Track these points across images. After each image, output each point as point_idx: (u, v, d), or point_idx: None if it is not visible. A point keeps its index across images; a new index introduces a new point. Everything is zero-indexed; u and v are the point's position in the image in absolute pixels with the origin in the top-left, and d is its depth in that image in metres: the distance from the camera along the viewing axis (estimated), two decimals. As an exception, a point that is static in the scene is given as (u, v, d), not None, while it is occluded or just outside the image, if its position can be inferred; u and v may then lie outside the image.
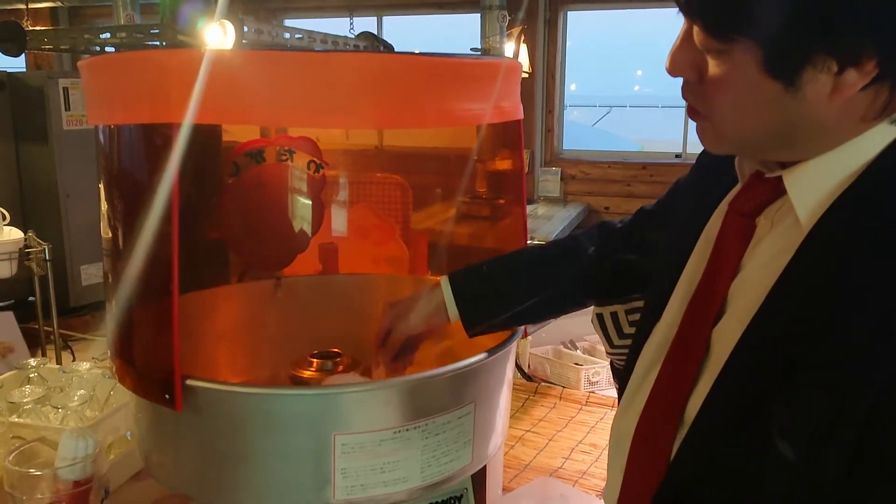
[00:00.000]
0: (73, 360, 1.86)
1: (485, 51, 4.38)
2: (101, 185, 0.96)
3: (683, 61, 0.66)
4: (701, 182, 0.84)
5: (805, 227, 0.64)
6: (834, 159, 0.63)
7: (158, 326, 0.86)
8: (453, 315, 0.99)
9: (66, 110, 2.12)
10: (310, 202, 1.35)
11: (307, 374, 1.08)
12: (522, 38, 5.19)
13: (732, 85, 0.63)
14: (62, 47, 1.87)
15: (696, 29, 0.63)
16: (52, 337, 1.84)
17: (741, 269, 0.70)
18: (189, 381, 0.83)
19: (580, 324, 2.03)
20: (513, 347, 1.02)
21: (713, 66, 0.63)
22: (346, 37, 2.07)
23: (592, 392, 1.75)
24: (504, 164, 1.13)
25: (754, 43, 0.60)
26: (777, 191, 0.67)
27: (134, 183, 0.88)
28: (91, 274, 2.23)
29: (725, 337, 0.68)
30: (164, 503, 1.29)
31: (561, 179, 5.80)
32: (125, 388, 0.93)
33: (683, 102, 0.69)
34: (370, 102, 0.81)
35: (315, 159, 1.37)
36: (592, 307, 1.08)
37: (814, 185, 0.64)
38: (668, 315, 0.77)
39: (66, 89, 2.11)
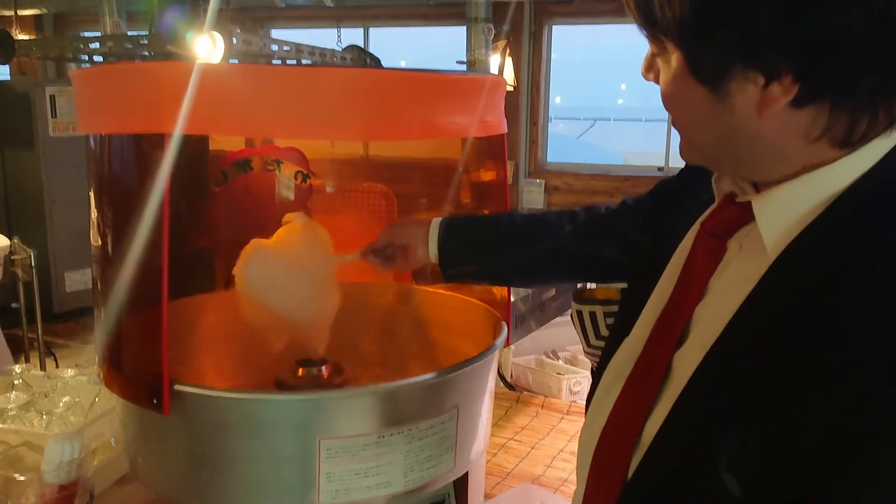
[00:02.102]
0: (57, 366, 1.86)
1: (470, 63, 4.41)
2: (91, 193, 0.98)
3: (649, 65, 0.68)
4: (681, 191, 0.86)
5: (771, 256, 0.64)
6: (802, 188, 0.63)
7: (147, 332, 0.88)
8: (433, 254, 1.05)
9: (52, 117, 2.13)
10: (296, 210, 1.36)
11: (292, 380, 1.09)
12: (507, 50, 5.25)
13: (672, 89, 0.65)
14: (51, 56, 1.88)
15: None
16: (35, 343, 1.85)
17: (707, 291, 0.70)
18: (177, 386, 0.85)
19: (562, 334, 2.06)
20: (495, 355, 1.04)
21: (662, 70, 0.66)
22: (333, 49, 2.09)
23: (574, 401, 1.77)
24: (488, 176, 1.15)
25: (677, 45, 0.62)
26: (747, 215, 0.67)
27: (124, 191, 0.89)
28: (75, 280, 2.24)
29: (686, 361, 0.68)
30: (148, 508, 1.30)
31: (545, 191, 5.85)
32: (113, 392, 0.94)
33: (666, 115, 0.71)
34: (357, 115, 0.84)
35: (302, 169, 1.39)
36: (572, 303, 1.11)
37: (781, 213, 0.64)
38: (637, 330, 0.78)
39: (52, 97, 2.12)
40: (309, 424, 0.85)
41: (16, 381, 1.41)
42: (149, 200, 0.86)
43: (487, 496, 1.31)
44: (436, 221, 1.07)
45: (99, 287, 0.98)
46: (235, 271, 1.07)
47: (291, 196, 1.30)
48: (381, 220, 1.65)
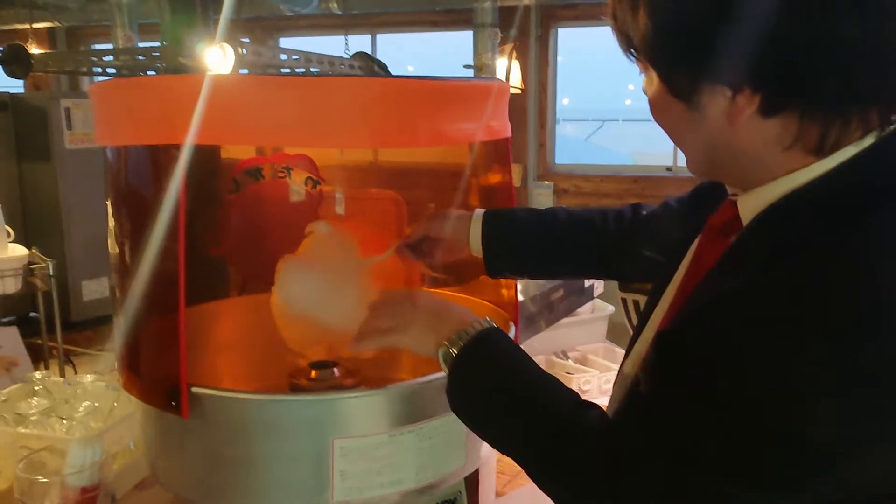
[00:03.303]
0: (76, 373, 1.89)
1: (478, 68, 4.44)
2: (109, 203, 1.01)
3: (643, 82, 0.73)
4: (711, 192, 0.89)
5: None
6: (774, 186, 0.68)
7: (165, 338, 0.91)
8: (475, 249, 1.07)
9: (67, 129, 2.17)
10: (307, 217, 1.39)
11: (306, 382, 1.12)
12: (514, 54, 5.27)
13: (656, 104, 0.70)
14: (67, 70, 1.92)
15: None
16: (54, 351, 1.88)
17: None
18: (194, 389, 0.88)
19: (571, 335, 2.08)
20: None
21: (647, 87, 0.71)
22: (341, 57, 2.13)
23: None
24: (494, 179, 1.18)
25: (650, 65, 0.68)
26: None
27: (142, 200, 0.92)
28: (92, 290, 2.27)
29: None
30: (167, 511, 1.33)
31: (554, 193, 5.86)
32: (133, 396, 0.97)
33: None
34: (366, 123, 0.86)
35: (312, 176, 1.42)
36: (618, 291, 1.14)
37: (758, 200, 0.69)
38: (655, 318, 0.83)
39: (67, 109, 2.16)
40: (322, 425, 0.88)
41: (36, 388, 1.44)
42: (165, 209, 0.89)
43: (499, 494, 1.33)
44: (478, 213, 1.08)
45: (118, 294, 1.01)
46: (275, 290, 1.08)
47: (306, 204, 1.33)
48: (391, 226, 1.68)
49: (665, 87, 0.67)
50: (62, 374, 1.73)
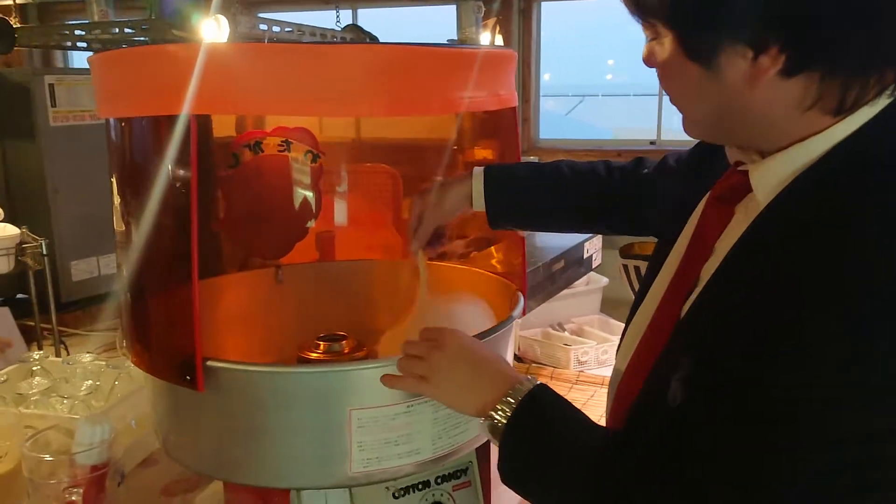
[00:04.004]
0: (68, 354, 1.87)
1: (461, 42, 4.40)
2: (114, 179, 0.99)
3: (647, 52, 0.72)
4: (708, 157, 0.88)
5: (762, 205, 0.68)
6: (792, 154, 0.67)
7: (177, 311, 0.90)
8: (478, 205, 1.07)
9: (52, 106, 2.12)
10: (307, 191, 1.38)
11: (314, 355, 1.11)
12: (498, 29, 5.23)
13: (667, 70, 0.69)
14: (51, 44, 1.87)
15: None
16: (46, 332, 1.86)
17: (714, 252, 0.74)
18: (209, 362, 0.87)
19: (566, 307, 2.09)
20: (514, 325, 1.07)
21: (657, 54, 0.69)
22: (333, 29, 2.10)
23: (581, 371, 1.80)
24: (498, 149, 1.17)
25: (668, 26, 0.66)
26: (748, 182, 0.71)
27: (148, 174, 0.90)
28: (81, 269, 2.24)
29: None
30: (172, 488, 1.32)
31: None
32: (144, 372, 0.96)
33: (654, 90, 0.75)
34: (380, 91, 0.85)
35: (312, 149, 1.40)
36: (619, 258, 1.14)
37: (773, 176, 0.68)
38: (656, 287, 0.83)
39: (51, 86, 2.11)
40: (340, 396, 0.88)
41: (34, 368, 1.42)
42: (174, 182, 0.88)
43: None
44: (478, 170, 1.08)
45: (124, 270, 0.99)
46: None
47: (302, 177, 1.31)
48: (387, 200, 1.67)
49: (682, 49, 0.66)
50: (58, 355, 1.71)
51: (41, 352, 1.48)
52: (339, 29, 2.25)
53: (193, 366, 0.86)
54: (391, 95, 0.86)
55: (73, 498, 1.01)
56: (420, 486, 1.03)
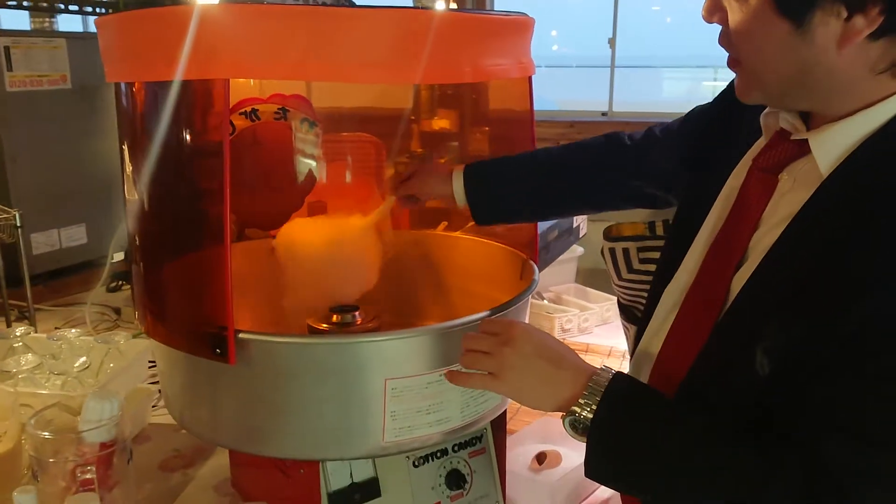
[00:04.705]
0: (36, 331, 1.80)
1: (416, 5, 4.35)
2: (125, 147, 0.95)
3: (713, 8, 0.71)
4: (720, 124, 0.89)
5: (824, 175, 0.69)
6: (855, 122, 0.68)
7: (205, 281, 0.87)
8: (461, 203, 1.11)
9: (8, 70, 2.01)
10: (306, 160, 1.35)
11: (326, 326, 1.10)
12: (452, -3, 5.18)
13: (750, 27, 0.68)
14: (25, 5, 1.77)
15: None
16: (6, 307, 1.78)
17: (762, 223, 0.75)
18: (242, 335, 0.85)
19: (545, 276, 2.11)
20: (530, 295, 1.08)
21: (735, 10, 0.69)
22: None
23: (565, 339, 1.83)
24: (518, 115, 1.17)
25: None
26: (801, 150, 0.73)
27: (172, 140, 0.87)
28: (41, 242, 2.15)
29: (743, 279, 0.74)
30: (170, 463, 1.30)
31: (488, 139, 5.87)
32: (165, 345, 0.93)
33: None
34: (413, 58, 0.84)
35: (308, 117, 1.37)
36: (604, 242, 1.15)
37: (836, 142, 0.69)
38: (689, 261, 0.83)
39: (7, 48, 2.00)
40: (375, 365, 0.87)
41: (15, 345, 1.37)
42: (197, 147, 0.85)
43: (509, 432, 1.35)
44: (457, 170, 1.11)
45: (138, 241, 0.96)
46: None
47: (311, 147, 1.29)
48: (370, 169, 1.65)
49: (774, 3, 0.65)
50: (35, 331, 1.64)
51: (23, 328, 1.42)
52: (318, -6, 2.19)
53: (224, 338, 0.84)
54: (423, 62, 0.84)
55: (88, 476, 0.98)
56: (438, 455, 1.03)
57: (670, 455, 0.71)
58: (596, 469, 0.75)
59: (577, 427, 0.75)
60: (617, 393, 0.74)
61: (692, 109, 1.02)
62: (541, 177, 1.11)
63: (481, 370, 0.80)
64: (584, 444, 0.74)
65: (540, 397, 0.78)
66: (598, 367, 0.77)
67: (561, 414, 0.76)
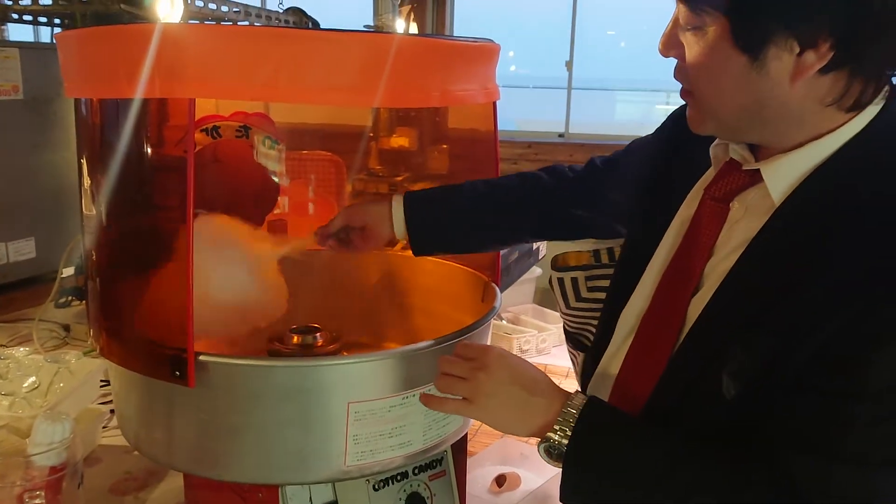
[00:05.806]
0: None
1: (378, 28, 4.36)
2: (84, 161, 0.93)
3: (670, 44, 0.73)
4: (667, 154, 0.91)
5: (777, 203, 0.72)
6: (806, 152, 0.71)
7: (163, 302, 0.86)
8: (400, 234, 1.09)
9: (-34, 80, 1.95)
10: (266, 179, 1.34)
11: (287, 348, 1.09)
12: (412, 16, 5.21)
13: (707, 60, 0.70)
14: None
15: (678, 7, 0.71)
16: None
17: (716, 251, 0.77)
18: (202, 357, 0.83)
19: (503, 296, 2.12)
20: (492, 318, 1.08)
21: (692, 44, 0.71)
22: (276, 11, 2.03)
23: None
24: (482, 139, 1.18)
25: (722, 14, 0.67)
26: (752, 180, 0.75)
27: (132, 156, 0.85)
28: (-12, 255, 2.08)
29: (701, 304, 0.76)
30: (121, 486, 1.26)
31: (448, 158, 5.90)
32: (122, 367, 0.91)
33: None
34: (381, 82, 0.84)
35: (270, 136, 1.36)
36: (552, 272, 1.16)
37: (788, 172, 0.72)
38: (643, 288, 0.85)
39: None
40: (338, 389, 0.86)
41: (-41, 363, 1.32)
42: (159, 163, 0.84)
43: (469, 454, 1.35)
44: (397, 198, 1.10)
45: (95, 258, 0.94)
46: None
47: (273, 165, 1.28)
48: (331, 188, 1.65)
49: (730, 38, 0.67)
50: (-22, 348, 1.58)
51: (-34, 346, 1.37)
52: (282, 11, 2.19)
53: (184, 360, 0.82)
54: (391, 85, 0.85)
55: (37, 502, 0.95)
56: (398, 478, 1.03)
57: (645, 479, 0.72)
58: (572, 494, 0.75)
59: (552, 453, 0.75)
60: (591, 418, 0.74)
61: (632, 142, 1.04)
62: (484, 207, 1.11)
63: (455, 395, 0.80)
64: (549, 467, 0.75)
65: (514, 423, 0.77)
66: (572, 391, 0.78)
67: (536, 440, 0.76)
